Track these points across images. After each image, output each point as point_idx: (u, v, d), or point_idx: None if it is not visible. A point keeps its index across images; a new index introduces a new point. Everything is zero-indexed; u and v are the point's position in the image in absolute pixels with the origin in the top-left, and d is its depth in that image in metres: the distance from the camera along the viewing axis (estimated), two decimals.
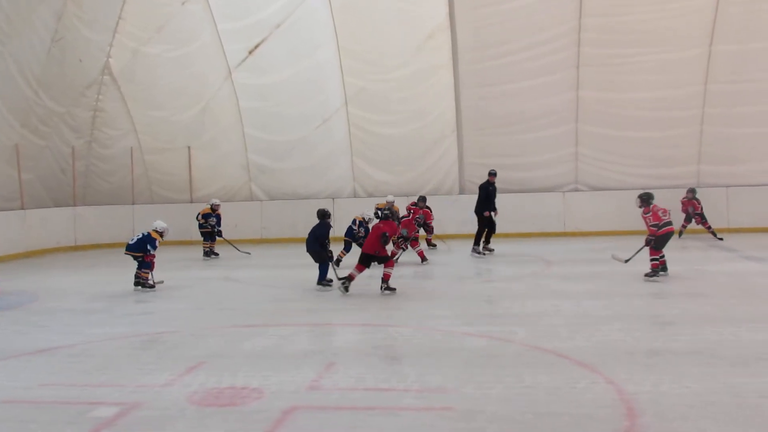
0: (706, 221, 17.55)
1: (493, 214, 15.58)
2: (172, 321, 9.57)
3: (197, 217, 17.50)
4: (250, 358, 7.25)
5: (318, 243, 11.65)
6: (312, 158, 20.51)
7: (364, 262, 11.09)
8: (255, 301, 11.00)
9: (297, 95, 19.97)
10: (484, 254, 15.60)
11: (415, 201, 16.78)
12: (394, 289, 10.84)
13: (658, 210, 11.75)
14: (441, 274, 13.15)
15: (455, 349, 7.42)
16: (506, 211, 18.36)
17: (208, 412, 5.63)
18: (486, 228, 15.73)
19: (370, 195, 20.35)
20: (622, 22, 18.12)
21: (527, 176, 19.72)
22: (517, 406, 5.45)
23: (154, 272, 12.37)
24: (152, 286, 12.31)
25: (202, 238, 17.50)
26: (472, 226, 16.39)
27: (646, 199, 11.90)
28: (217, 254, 17.33)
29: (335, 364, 6.89)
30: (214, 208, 17.29)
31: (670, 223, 11.71)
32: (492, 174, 15.86)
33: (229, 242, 17.60)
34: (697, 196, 17.74)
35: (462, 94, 19.44)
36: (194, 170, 21.16)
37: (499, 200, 17.63)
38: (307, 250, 11.85)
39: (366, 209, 15.32)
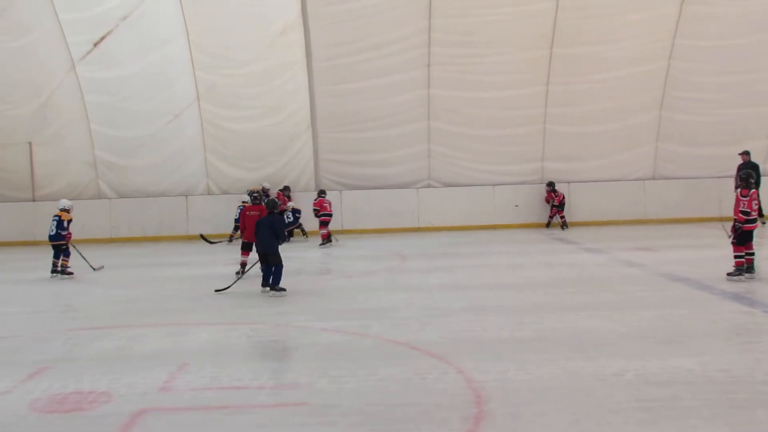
0: (561, 211, 19.27)
1: None
2: (11, 325, 9.01)
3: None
4: (98, 361, 6.96)
5: (278, 241, 10.52)
6: (163, 155, 19.92)
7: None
8: (102, 303, 10.54)
9: (146, 90, 19.34)
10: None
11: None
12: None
13: (755, 200, 10.39)
14: (297, 271, 13.11)
15: (310, 344, 7.44)
16: (362, 207, 18.61)
17: (52, 419, 5.37)
18: None
19: (225, 192, 20.05)
20: (469, 24, 18.75)
21: (382, 173, 20.04)
22: (370, 399, 5.54)
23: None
24: (71, 273, 12.92)
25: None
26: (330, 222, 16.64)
27: (745, 179, 10.52)
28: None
29: (188, 364, 6.73)
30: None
31: (755, 221, 10.42)
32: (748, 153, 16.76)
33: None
34: (555, 188, 19.29)
35: (316, 91, 19.47)
36: (36, 167, 20.02)
37: (355, 196, 17.95)
38: (262, 251, 10.51)
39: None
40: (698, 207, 17.76)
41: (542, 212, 19.91)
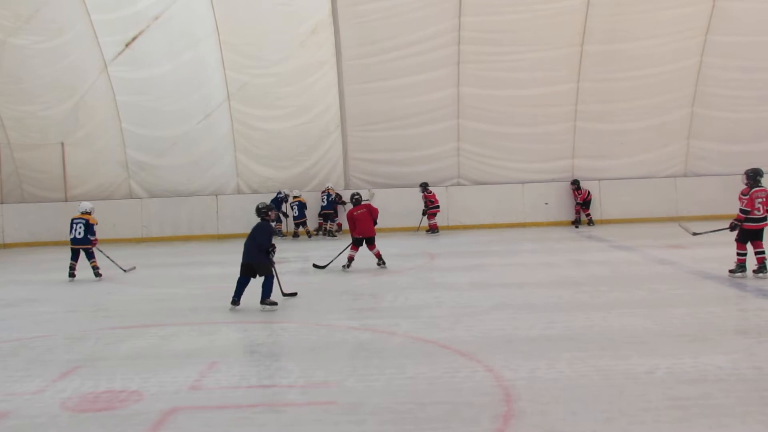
0: (586, 209, 19.37)
1: None
2: (43, 324, 9.13)
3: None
4: (129, 360, 7.03)
5: (263, 251, 9.41)
6: (194, 154, 20.09)
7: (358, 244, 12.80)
8: (134, 302, 10.64)
9: (177, 90, 19.51)
10: None
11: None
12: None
13: (758, 198, 10.24)
14: (326, 269, 13.12)
15: (339, 343, 7.45)
16: (391, 205, 18.61)
17: (84, 417, 5.43)
18: None
19: (255, 191, 20.16)
20: (499, 22, 18.67)
21: (411, 171, 20.02)
22: (399, 397, 5.53)
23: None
24: (100, 275, 12.92)
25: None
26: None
27: (752, 177, 10.39)
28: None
29: (218, 363, 6.78)
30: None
31: (764, 219, 10.23)
32: None
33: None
34: (581, 186, 19.39)
35: (346, 90, 19.52)
36: (69, 167, 20.31)
37: (384, 194, 17.84)
38: (246, 261, 9.52)
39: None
40: (730, 204, 17.24)
41: (572, 210, 19.77)
